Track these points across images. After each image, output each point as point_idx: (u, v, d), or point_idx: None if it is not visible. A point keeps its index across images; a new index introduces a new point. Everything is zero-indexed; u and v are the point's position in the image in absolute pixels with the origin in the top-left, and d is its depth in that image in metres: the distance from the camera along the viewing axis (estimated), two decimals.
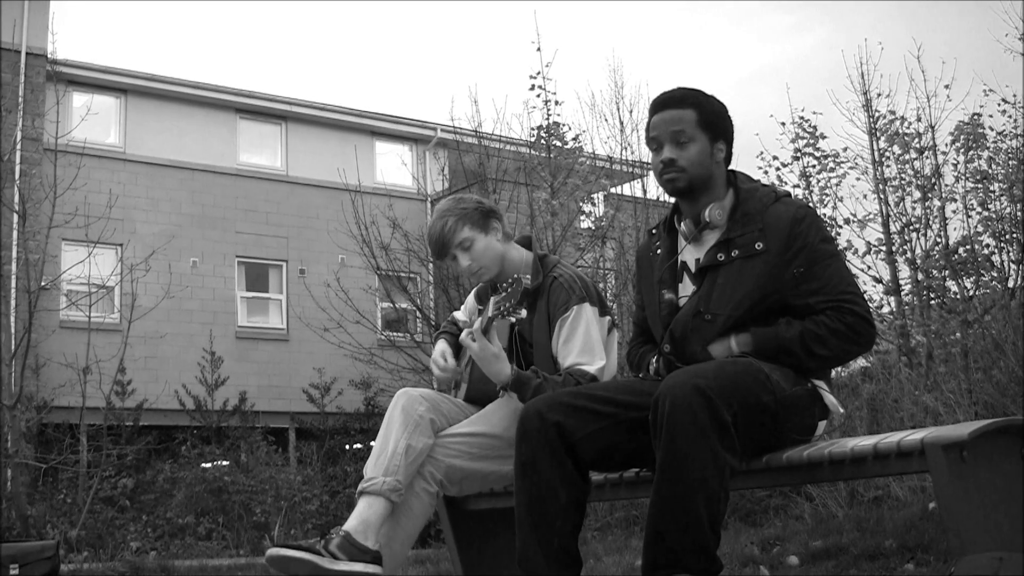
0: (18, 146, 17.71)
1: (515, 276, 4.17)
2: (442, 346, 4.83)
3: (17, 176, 17.13)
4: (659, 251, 4.08)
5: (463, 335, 4.27)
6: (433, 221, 4.65)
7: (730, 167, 3.98)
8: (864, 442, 3.33)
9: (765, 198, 3.83)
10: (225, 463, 18.30)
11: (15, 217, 16.43)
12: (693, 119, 3.82)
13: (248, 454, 18.62)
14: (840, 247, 12.08)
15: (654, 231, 4.20)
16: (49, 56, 19.63)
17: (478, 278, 4.69)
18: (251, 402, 20.71)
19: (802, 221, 3.71)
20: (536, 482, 3.67)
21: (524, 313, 4.16)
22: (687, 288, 3.92)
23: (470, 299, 5.09)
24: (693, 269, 3.90)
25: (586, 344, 4.38)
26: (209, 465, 18.14)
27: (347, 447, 20.73)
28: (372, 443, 4.42)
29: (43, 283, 15.63)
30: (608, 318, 4.57)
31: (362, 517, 4.16)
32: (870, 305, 4.05)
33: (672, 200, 4.06)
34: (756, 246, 3.72)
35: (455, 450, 4.41)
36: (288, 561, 3.98)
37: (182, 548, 14.67)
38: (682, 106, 3.84)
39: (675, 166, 3.82)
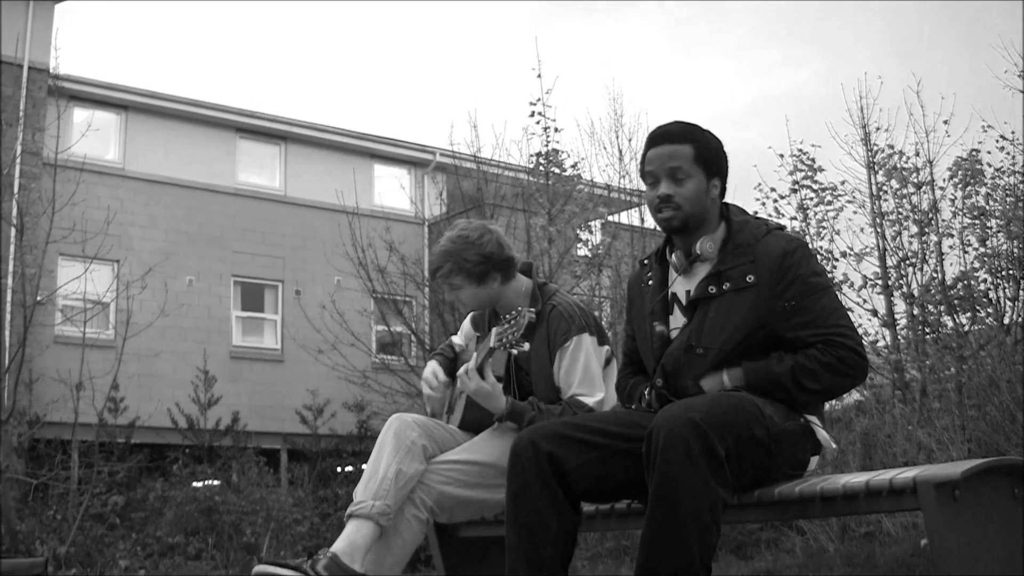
0: (18, 160, 17.70)
1: (518, 309, 4.16)
2: (433, 365, 4.85)
3: (16, 190, 17.12)
4: (651, 282, 4.07)
5: (460, 372, 4.29)
6: (437, 253, 4.67)
7: (725, 200, 3.97)
8: (856, 479, 3.33)
9: (757, 230, 3.83)
10: (216, 483, 18.22)
11: (12, 231, 16.41)
12: (690, 155, 3.81)
13: (239, 474, 18.54)
14: (836, 280, 12.11)
15: (646, 262, 4.19)
16: (51, 71, 19.63)
17: (471, 310, 4.73)
18: (244, 422, 20.65)
19: (793, 254, 3.71)
20: (527, 511, 3.66)
21: (527, 347, 4.16)
22: (678, 320, 3.91)
23: (466, 324, 5.10)
24: (684, 301, 3.90)
25: (585, 375, 4.40)
26: (200, 484, 18.08)
27: (339, 469, 20.66)
28: (364, 466, 4.42)
29: (39, 298, 15.62)
30: (607, 347, 4.58)
31: (350, 540, 4.17)
32: (866, 339, 4.05)
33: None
34: (747, 279, 3.71)
35: (447, 477, 4.41)
36: None
37: (171, 567, 14.61)
38: (679, 141, 3.84)
39: (671, 203, 3.81)
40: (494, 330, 4.22)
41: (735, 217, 3.91)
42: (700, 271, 3.87)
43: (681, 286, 3.94)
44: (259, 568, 4.03)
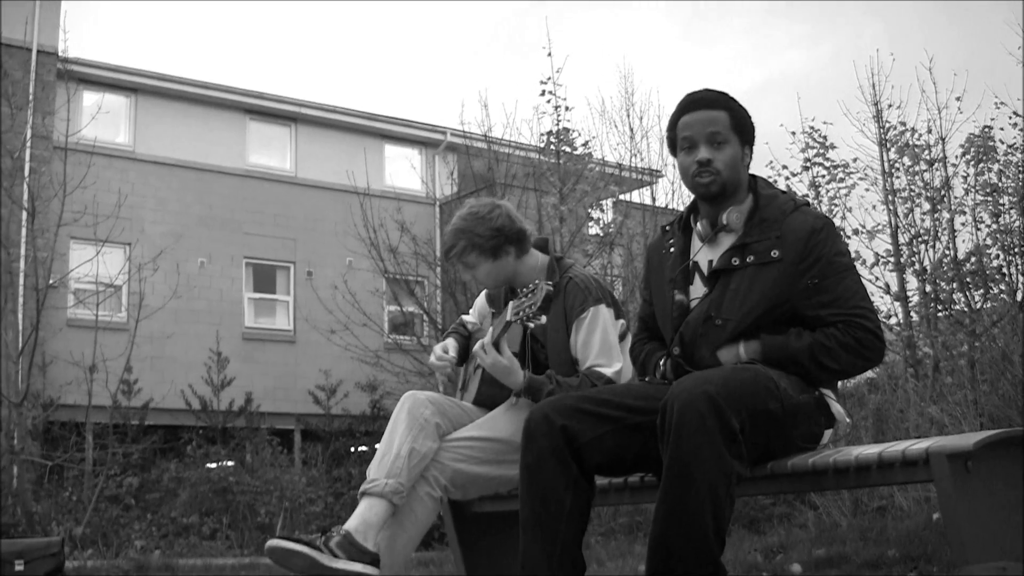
0: (28, 144, 17.70)
1: (536, 282, 4.14)
2: (447, 341, 4.85)
3: (27, 174, 17.13)
4: (672, 249, 4.05)
5: (476, 346, 4.28)
6: (448, 232, 4.68)
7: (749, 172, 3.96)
8: (869, 451, 3.33)
9: (784, 206, 3.81)
10: (230, 463, 18.28)
11: (24, 215, 16.44)
12: (727, 121, 3.81)
13: (253, 455, 18.61)
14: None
15: (667, 227, 4.17)
16: (60, 54, 19.64)
17: (486, 288, 4.72)
18: (257, 403, 20.70)
19: (820, 232, 3.69)
20: (541, 485, 3.66)
21: (544, 319, 4.14)
22: (698, 290, 3.90)
23: (480, 300, 5.09)
24: (706, 271, 3.88)
25: (604, 346, 4.39)
26: (214, 465, 18.13)
27: (352, 449, 20.71)
28: (377, 445, 4.43)
29: (51, 281, 15.66)
30: (623, 321, 4.57)
31: (363, 518, 4.17)
32: (879, 315, 4.04)
33: (688, 198, 4.05)
34: (772, 254, 3.70)
35: (460, 454, 4.41)
36: (287, 553, 3.99)
37: (186, 547, 14.67)
38: (715, 107, 3.83)
39: (710, 167, 3.79)
40: (511, 303, 4.20)
41: (762, 190, 3.90)
42: (724, 242, 3.86)
43: (704, 255, 3.92)
44: (272, 542, 4.03)
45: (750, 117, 3.89)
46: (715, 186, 3.81)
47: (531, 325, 4.14)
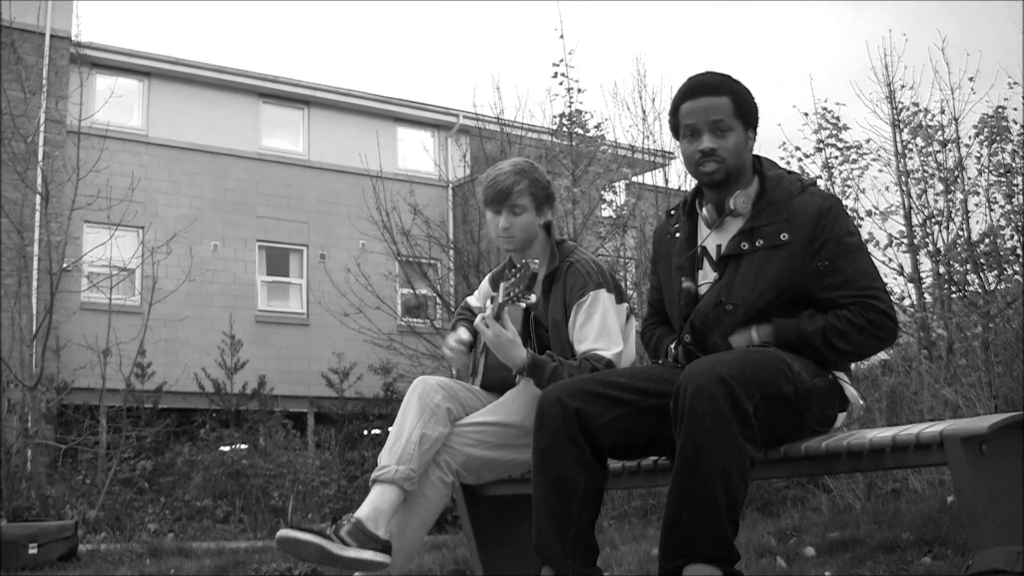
0: (42, 128, 17.71)
1: (523, 262, 4.13)
2: (460, 330, 4.83)
3: (40, 158, 17.15)
4: (678, 235, 4.04)
5: (477, 320, 4.26)
6: (505, 172, 4.61)
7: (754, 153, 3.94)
8: (883, 434, 3.32)
9: (791, 187, 3.80)
10: (243, 447, 18.33)
11: (38, 199, 16.46)
12: (730, 108, 3.78)
13: (266, 438, 18.64)
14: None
15: (672, 211, 4.16)
16: (73, 38, 19.65)
17: (504, 242, 4.67)
18: (270, 386, 20.73)
19: (828, 213, 3.68)
20: (554, 468, 3.67)
21: (534, 299, 4.10)
22: (707, 275, 3.89)
23: (484, 284, 5.09)
24: (714, 256, 3.87)
25: (603, 329, 4.36)
26: (227, 448, 18.18)
27: (365, 432, 20.75)
28: (390, 428, 4.42)
29: (65, 265, 15.66)
30: (625, 305, 4.55)
31: (374, 505, 4.17)
32: (892, 297, 4.02)
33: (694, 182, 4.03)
34: (781, 236, 3.68)
35: (472, 439, 4.40)
36: (298, 543, 3.99)
37: (200, 531, 14.70)
38: (718, 93, 3.80)
39: (715, 156, 3.77)
40: (501, 285, 4.20)
41: (768, 172, 3.88)
42: (732, 226, 3.84)
43: (712, 241, 3.91)
44: (283, 532, 4.03)
45: (753, 100, 3.87)
46: (719, 174, 3.80)
47: (522, 304, 4.14)
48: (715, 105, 3.77)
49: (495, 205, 4.58)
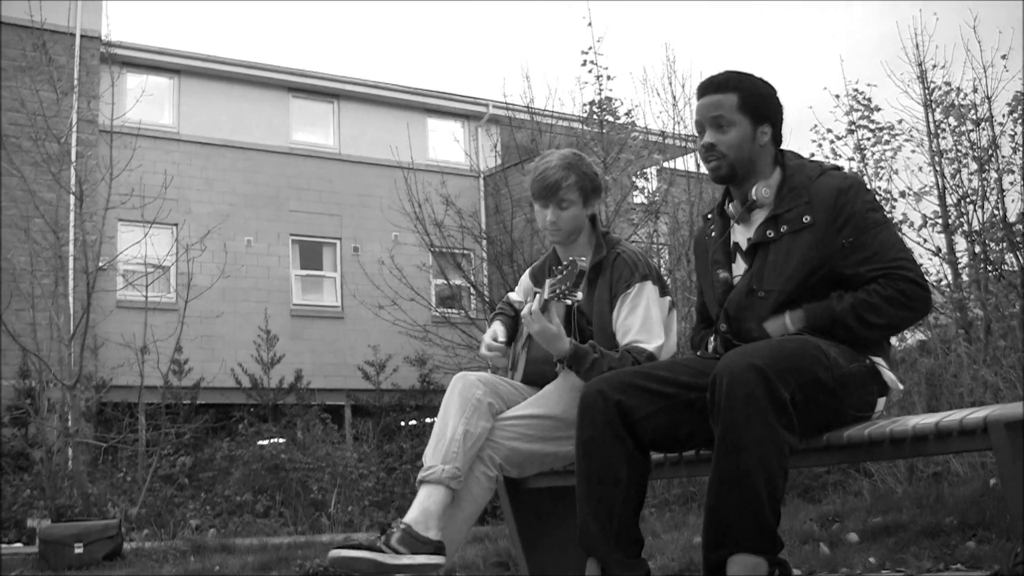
0: (74, 128, 17.84)
1: (571, 259, 4.13)
2: (495, 326, 4.83)
3: (74, 158, 17.25)
4: (713, 234, 4.07)
5: (524, 311, 4.26)
6: (553, 165, 4.60)
7: (781, 146, 3.95)
8: (926, 420, 3.30)
9: (811, 172, 3.82)
10: (281, 441, 18.41)
11: (72, 199, 16.55)
12: (734, 103, 3.81)
13: (304, 432, 18.71)
14: (896, 220, 11.97)
15: (709, 216, 4.19)
16: (103, 38, 19.72)
17: (551, 235, 4.67)
18: (307, 380, 20.82)
19: (847, 191, 3.68)
20: (597, 461, 3.68)
21: (580, 296, 4.11)
22: (740, 268, 3.91)
23: (524, 278, 5.08)
24: (744, 248, 3.89)
25: (646, 322, 4.36)
26: (266, 443, 18.27)
27: (402, 424, 20.81)
28: (428, 419, 4.44)
29: (100, 264, 15.75)
30: (668, 298, 4.55)
31: (423, 507, 4.17)
32: (929, 279, 4.00)
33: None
34: (803, 219, 3.70)
35: (514, 432, 4.41)
36: (350, 561, 3.99)
37: (240, 525, 14.78)
38: (723, 90, 3.84)
39: (715, 151, 3.83)
40: (547, 281, 4.19)
41: (790, 162, 3.89)
42: (758, 217, 3.86)
43: (741, 234, 3.93)
44: (334, 553, 4.03)
45: (767, 94, 3.89)
46: (723, 169, 3.85)
47: (568, 302, 4.14)
48: (717, 102, 3.83)
49: (543, 199, 4.58)
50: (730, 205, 3.98)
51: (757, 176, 3.86)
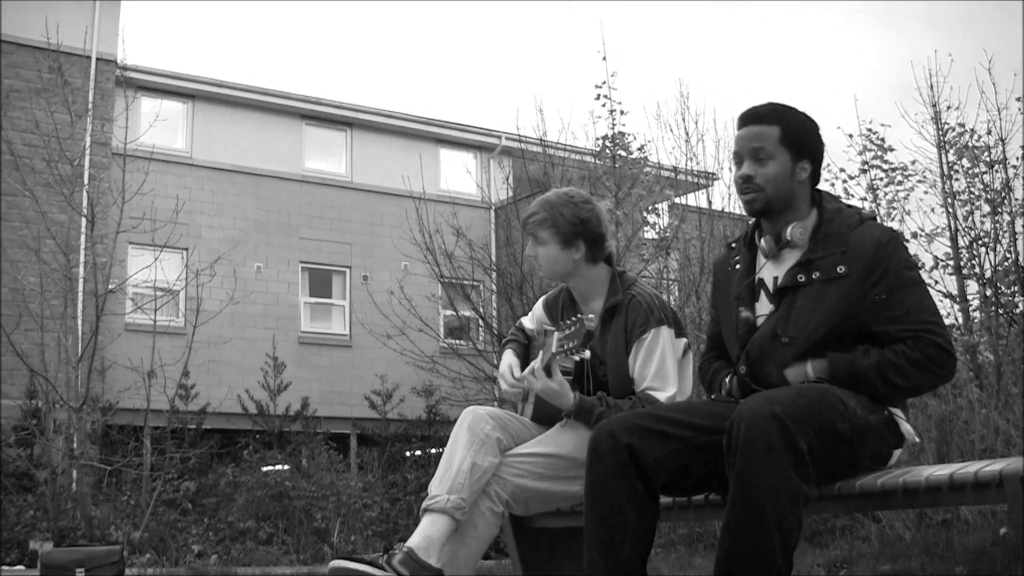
0: (87, 150, 17.89)
1: (578, 316, 4.13)
2: (509, 358, 4.80)
3: (86, 180, 17.30)
4: (738, 266, 4.01)
5: (525, 372, 4.28)
6: (536, 201, 4.66)
7: (817, 186, 3.90)
8: (939, 472, 3.25)
9: (850, 219, 3.74)
10: (286, 468, 18.36)
11: (84, 221, 16.59)
12: (776, 136, 3.75)
13: (309, 460, 18.66)
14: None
15: (734, 244, 4.13)
16: (119, 62, 19.80)
17: (536, 269, 4.70)
18: (313, 408, 20.76)
19: (887, 246, 3.62)
20: (606, 504, 3.63)
21: (587, 354, 4.13)
22: (764, 307, 3.85)
23: (538, 307, 5.05)
24: (771, 288, 3.84)
25: (660, 370, 4.35)
26: (270, 470, 18.23)
27: (408, 454, 20.74)
28: (433, 450, 4.43)
29: (110, 287, 15.77)
30: (684, 340, 4.52)
31: (426, 534, 4.17)
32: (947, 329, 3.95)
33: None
34: (838, 269, 3.63)
35: (522, 470, 4.39)
36: (350, 573, 3.98)
37: (243, 552, 14.73)
38: (765, 122, 3.78)
39: (752, 183, 3.76)
40: (555, 335, 4.18)
41: (828, 204, 3.83)
42: (789, 258, 3.81)
43: (769, 272, 3.87)
44: (335, 563, 4.03)
45: (810, 130, 3.83)
46: (758, 203, 3.79)
47: (575, 358, 4.14)
48: (759, 133, 3.77)
49: (524, 232, 4.65)
50: (762, 240, 3.91)
51: (792, 213, 3.80)
